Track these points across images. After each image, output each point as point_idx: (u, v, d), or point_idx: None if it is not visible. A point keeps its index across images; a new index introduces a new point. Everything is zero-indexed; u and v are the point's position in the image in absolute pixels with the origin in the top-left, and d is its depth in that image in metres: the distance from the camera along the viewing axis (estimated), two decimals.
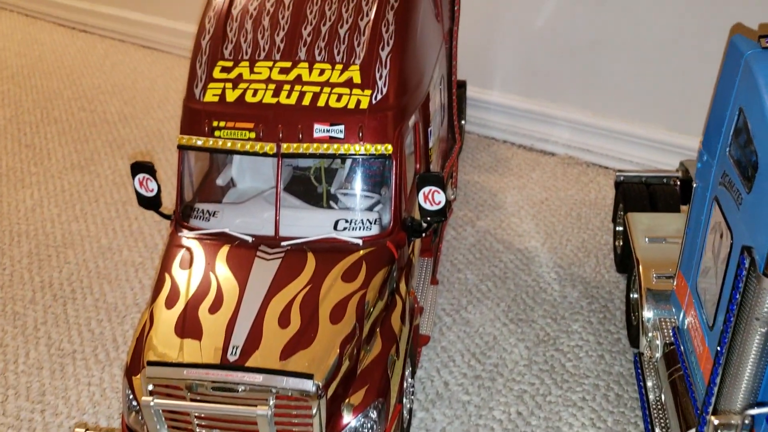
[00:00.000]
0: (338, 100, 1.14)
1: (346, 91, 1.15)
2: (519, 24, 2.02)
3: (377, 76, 1.15)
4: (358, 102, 1.14)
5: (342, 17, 1.21)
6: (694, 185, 1.07)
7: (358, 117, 1.13)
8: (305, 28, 1.20)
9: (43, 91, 2.63)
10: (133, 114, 2.44)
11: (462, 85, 2.08)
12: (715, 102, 0.99)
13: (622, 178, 1.64)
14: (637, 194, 1.57)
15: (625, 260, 1.55)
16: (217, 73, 1.19)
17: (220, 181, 1.31)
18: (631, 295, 1.41)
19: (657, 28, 1.80)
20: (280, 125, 1.14)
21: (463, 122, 2.07)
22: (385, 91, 1.15)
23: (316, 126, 1.13)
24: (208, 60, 1.21)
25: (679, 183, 1.58)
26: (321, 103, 1.14)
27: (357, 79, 1.15)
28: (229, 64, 1.20)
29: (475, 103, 2.16)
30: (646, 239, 1.37)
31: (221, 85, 1.18)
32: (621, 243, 1.59)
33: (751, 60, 0.89)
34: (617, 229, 1.62)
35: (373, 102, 1.14)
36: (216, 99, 1.17)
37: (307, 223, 1.15)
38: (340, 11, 1.21)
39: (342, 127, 1.13)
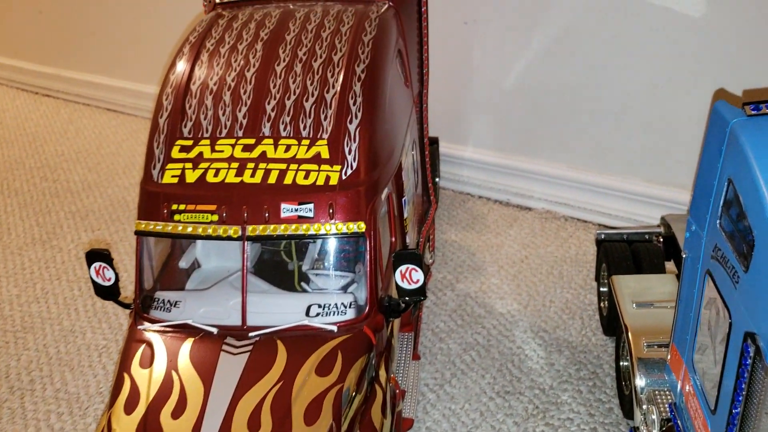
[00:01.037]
0: (306, 177, 1.08)
1: (314, 167, 1.09)
2: (492, 79, 2.00)
3: (346, 150, 1.09)
4: (327, 178, 1.08)
5: (307, 90, 1.15)
6: (684, 255, 1.02)
7: (327, 194, 1.07)
8: (269, 103, 1.15)
9: (4, 161, 2.55)
10: (98, 182, 2.36)
11: (434, 142, 2.04)
12: (701, 170, 0.94)
13: (603, 236, 1.60)
14: (620, 253, 1.52)
15: (611, 323, 1.49)
16: (175, 153, 1.13)
17: (183, 264, 1.23)
18: (621, 363, 1.35)
19: (631, 80, 1.78)
20: (244, 206, 1.07)
21: (437, 180, 2.02)
22: (355, 165, 1.09)
23: (284, 206, 1.07)
24: (166, 139, 1.14)
25: (661, 240, 1.53)
26: (288, 180, 1.08)
27: (325, 154, 1.10)
28: (189, 143, 1.13)
29: (449, 159, 2.12)
30: (634, 305, 1.31)
31: (180, 165, 1.11)
32: (606, 305, 1.53)
33: (738, 129, 0.84)
34: (601, 289, 1.57)
35: (343, 177, 1.08)
36: (175, 180, 1.11)
37: (277, 310, 1.08)
38: (305, 84, 1.16)
39: (311, 205, 1.07)
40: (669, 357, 1.10)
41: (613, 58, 1.78)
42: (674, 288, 1.21)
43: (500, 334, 1.57)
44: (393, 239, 1.22)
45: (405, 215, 1.29)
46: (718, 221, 0.89)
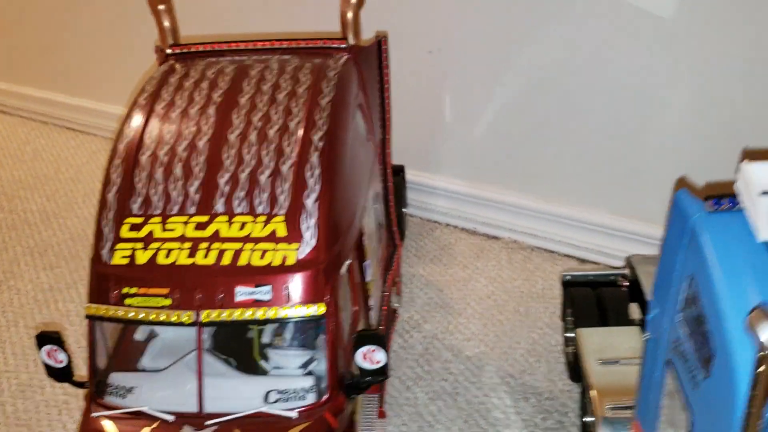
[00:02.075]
0: (262, 257, 1.05)
1: (271, 246, 1.06)
2: (458, 109, 1.97)
3: (304, 227, 1.06)
4: (285, 258, 1.05)
5: (262, 162, 1.12)
6: (645, 337, 1.01)
7: (285, 276, 1.04)
8: (222, 177, 1.11)
9: None
10: (56, 212, 2.30)
11: (400, 171, 2.01)
12: (662, 258, 0.93)
13: (569, 277, 1.59)
14: (585, 299, 1.51)
15: (577, 369, 1.49)
16: (125, 232, 1.09)
17: (139, 336, 1.20)
18: (585, 419, 1.35)
19: (598, 114, 1.77)
20: (197, 290, 1.04)
21: (404, 210, 1.99)
22: (313, 243, 1.06)
23: (239, 289, 1.04)
24: (115, 216, 1.10)
25: (627, 283, 1.53)
26: (243, 261, 1.05)
27: (281, 232, 1.06)
28: (139, 220, 1.09)
29: (417, 186, 2.10)
30: (599, 362, 1.30)
31: (131, 245, 1.08)
32: (571, 351, 1.53)
33: (699, 226, 0.83)
34: (566, 335, 1.56)
35: (301, 257, 1.05)
36: (125, 262, 1.07)
37: (235, 395, 1.05)
38: (260, 155, 1.12)
39: (268, 287, 1.04)
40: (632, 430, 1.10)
41: (582, 90, 1.76)
42: (639, 343, 1.20)
43: (467, 380, 1.55)
44: (355, 308, 1.19)
45: (368, 279, 1.27)
46: (679, 316, 0.87)
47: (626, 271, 1.55)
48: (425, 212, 2.14)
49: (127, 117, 1.21)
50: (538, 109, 1.84)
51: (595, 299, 1.50)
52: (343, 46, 1.34)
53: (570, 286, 1.56)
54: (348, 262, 1.15)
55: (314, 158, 1.11)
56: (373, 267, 1.34)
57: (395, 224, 1.67)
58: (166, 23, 1.37)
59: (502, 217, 2.01)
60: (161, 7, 1.37)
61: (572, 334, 1.51)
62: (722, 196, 0.85)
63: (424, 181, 2.10)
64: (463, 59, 1.90)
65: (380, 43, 1.49)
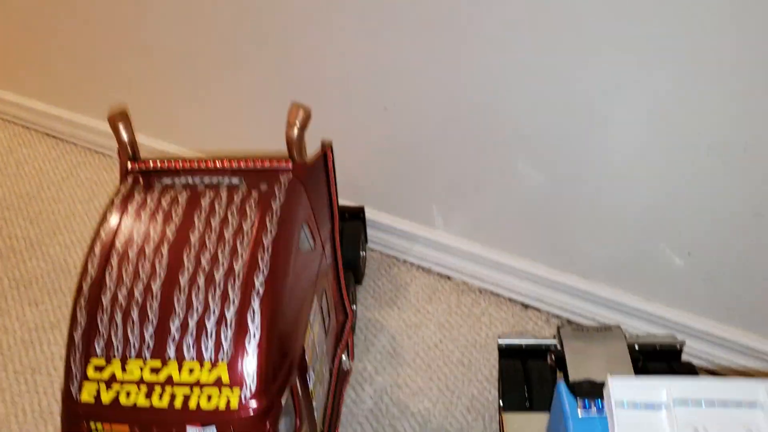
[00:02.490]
0: (209, 400, 1.21)
1: (216, 390, 1.21)
2: (418, 163, 2.08)
3: (245, 372, 1.22)
4: (228, 402, 1.21)
5: (209, 307, 1.26)
6: None
7: (228, 419, 1.20)
8: (173, 322, 1.25)
9: None
10: (39, 238, 2.44)
11: (360, 212, 2.15)
12: None
13: (503, 345, 1.75)
14: (514, 373, 1.67)
15: None
16: (91, 372, 1.24)
17: None
18: None
19: (542, 171, 1.88)
20: (154, 428, 1.20)
21: (363, 254, 2.14)
22: (254, 387, 1.21)
23: (189, 429, 1.20)
24: (82, 357, 1.25)
25: (553, 358, 1.69)
26: (192, 404, 1.21)
27: (225, 378, 1.22)
28: (102, 362, 1.24)
29: (377, 224, 2.23)
30: None
31: (95, 385, 1.23)
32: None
33: (570, 426, 0.98)
34: (500, 403, 1.74)
35: (243, 401, 1.21)
36: (92, 400, 1.23)
37: None
38: (207, 300, 1.26)
39: (213, 428, 1.20)
40: None
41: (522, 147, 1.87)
42: None
43: None
44: (298, 422, 1.36)
45: (310, 387, 1.43)
46: None
47: (555, 343, 1.71)
48: (384, 248, 2.28)
49: (89, 251, 1.34)
50: (489, 160, 1.94)
51: (523, 373, 1.67)
52: (288, 167, 1.45)
53: (504, 356, 1.72)
54: (289, 387, 1.31)
55: (256, 303, 1.25)
56: (317, 372, 1.50)
57: (346, 297, 1.82)
58: (125, 137, 1.48)
59: (451, 260, 2.16)
60: (121, 124, 1.47)
61: (502, 404, 1.68)
62: (594, 395, 1.00)
63: (382, 221, 2.24)
64: (414, 117, 2.00)
65: (326, 156, 1.60)
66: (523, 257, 2.04)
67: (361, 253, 2.12)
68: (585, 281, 1.95)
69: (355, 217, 2.17)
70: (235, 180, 1.44)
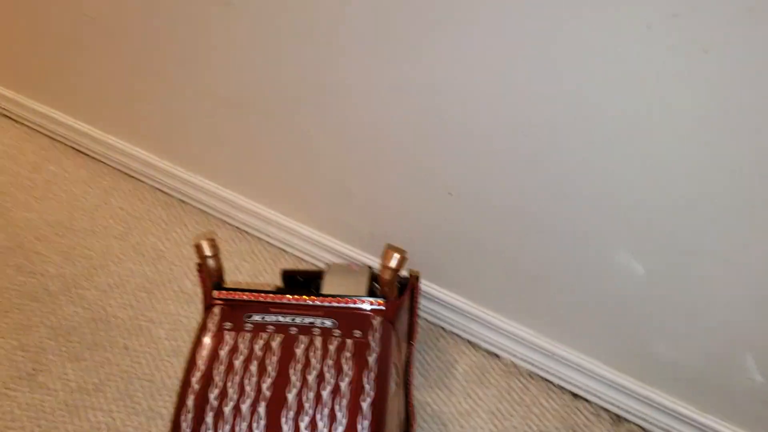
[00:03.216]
0: None
1: None
2: (475, 240, 2.04)
3: None
4: None
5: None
6: None
7: None
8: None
9: None
10: (75, 279, 2.37)
11: (416, 280, 2.12)
12: None
13: None
14: None
15: None
16: None
17: None
18: None
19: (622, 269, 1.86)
20: None
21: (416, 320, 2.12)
22: None
23: None
24: None
25: None
26: None
27: None
28: None
29: (427, 295, 2.21)
30: None
31: None
32: None
33: None
34: None
35: None
36: None
37: None
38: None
39: None
40: None
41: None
42: None
43: None
44: None
45: None
46: None
47: None
48: (432, 317, 2.26)
49: (182, 401, 1.30)
50: (544, 251, 1.92)
51: None
52: (381, 307, 1.41)
53: None
54: None
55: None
56: None
57: (413, 415, 1.81)
58: (212, 263, 1.42)
59: (502, 340, 2.15)
60: (207, 246, 1.41)
61: None
62: None
63: (432, 292, 2.21)
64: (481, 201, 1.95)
65: (413, 287, 1.56)
66: (579, 351, 2.03)
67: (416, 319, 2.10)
68: (641, 384, 1.95)
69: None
70: (327, 322, 1.40)
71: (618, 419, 2.03)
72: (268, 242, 2.53)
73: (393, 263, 1.38)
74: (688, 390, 1.90)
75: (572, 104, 1.53)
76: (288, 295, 1.43)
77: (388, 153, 1.97)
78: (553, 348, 2.06)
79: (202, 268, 1.43)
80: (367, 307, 1.42)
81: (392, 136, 1.93)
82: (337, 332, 1.38)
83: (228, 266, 2.42)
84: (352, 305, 1.42)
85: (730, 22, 1.27)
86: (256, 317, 1.41)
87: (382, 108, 1.87)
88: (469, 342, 2.21)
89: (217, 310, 1.42)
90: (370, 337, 1.37)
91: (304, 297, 1.43)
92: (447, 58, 1.66)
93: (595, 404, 2.07)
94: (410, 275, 1.57)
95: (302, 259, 2.48)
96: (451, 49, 1.64)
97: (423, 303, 2.22)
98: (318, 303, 1.42)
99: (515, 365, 2.15)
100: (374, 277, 1.74)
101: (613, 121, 1.51)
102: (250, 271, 2.41)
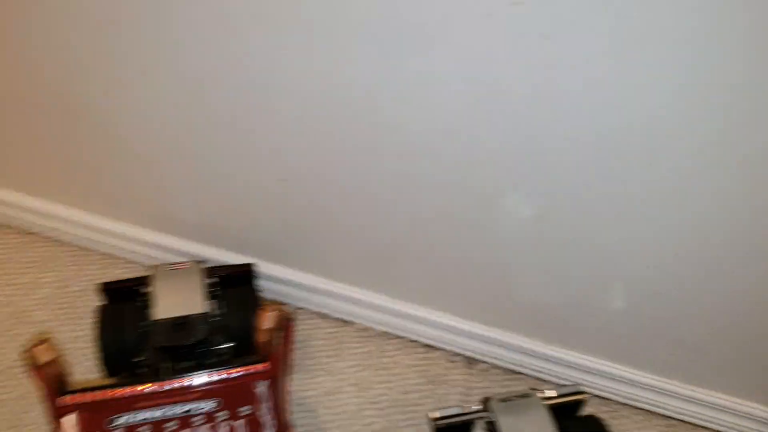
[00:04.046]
0: None
1: None
2: (313, 212, 1.94)
3: None
4: None
5: None
6: None
7: None
8: None
9: None
10: None
11: (248, 272, 1.97)
12: None
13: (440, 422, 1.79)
14: None
15: None
16: None
17: None
18: None
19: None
20: None
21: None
22: None
23: None
24: None
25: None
26: None
27: None
28: None
29: (269, 277, 2.09)
30: None
31: None
32: None
33: None
34: None
35: None
36: None
37: None
38: None
39: None
40: None
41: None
42: None
43: None
44: None
45: None
46: None
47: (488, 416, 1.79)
48: (283, 299, 2.16)
49: None
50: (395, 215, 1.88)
51: None
52: (265, 368, 1.30)
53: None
54: None
55: None
56: None
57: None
58: (50, 370, 1.20)
59: (353, 308, 2.13)
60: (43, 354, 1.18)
61: None
62: None
63: (275, 274, 2.10)
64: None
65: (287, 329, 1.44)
66: (430, 307, 2.07)
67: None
68: (487, 327, 2.05)
69: (246, 281, 1.99)
70: (207, 405, 1.26)
71: (472, 361, 2.13)
72: (71, 243, 2.22)
73: (269, 324, 1.25)
74: (533, 327, 2.03)
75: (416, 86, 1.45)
76: (152, 384, 1.24)
77: (212, 142, 1.76)
78: (406, 309, 2.08)
79: (40, 374, 1.19)
80: (248, 373, 1.29)
81: (211, 127, 1.72)
82: (222, 414, 1.25)
83: (26, 279, 2.10)
84: (229, 377, 1.28)
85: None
86: (123, 419, 1.22)
87: (189, 100, 1.64)
88: (319, 314, 2.16)
89: (71, 419, 1.21)
90: (260, 411, 1.26)
91: (173, 381, 1.25)
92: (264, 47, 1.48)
93: (450, 351, 2.14)
94: (283, 318, 1.44)
95: (118, 258, 2.21)
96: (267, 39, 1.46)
97: (268, 286, 2.10)
98: (191, 384, 1.26)
99: (368, 328, 2.15)
100: (223, 281, 1.60)
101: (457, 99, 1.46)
102: (55, 281, 2.12)
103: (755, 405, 1.95)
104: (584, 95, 1.39)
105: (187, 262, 1.86)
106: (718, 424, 2.01)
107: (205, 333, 1.53)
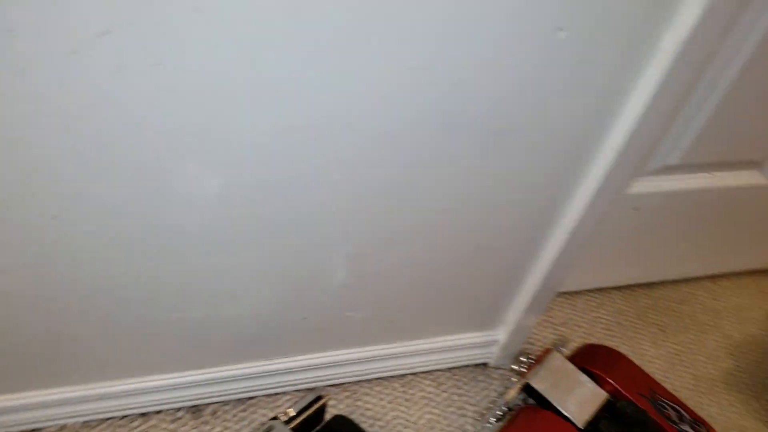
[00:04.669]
0: None
1: None
2: None
3: None
4: None
5: None
6: None
7: None
8: None
9: None
10: None
11: None
12: None
13: None
14: None
15: None
16: None
17: None
18: None
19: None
20: None
21: None
22: None
23: None
24: None
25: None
26: None
27: None
28: None
29: None
30: None
31: None
32: None
33: None
34: None
35: None
36: None
37: None
38: None
39: None
40: None
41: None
42: None
43: None
44: None
45: None
46: None
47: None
48: None
49: None
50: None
51: None
52: None
53: None
54: None
55: None
56: None
57: None
58: None
59: (32, 414, 1.74)
60: None
61: None
62: None
63: None
64: None
65: None
66: (117, 379, 1.77)
67: None
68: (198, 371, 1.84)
69: None
70: None
71: (197, 409, 1.91)
72: None
73: None
74: (240, 351, 1.86)
75: None
76: None
77: None
78: (100, 390, 1.75)
79: None
80: None
81: None
82: None
83: None
84: None
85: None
86: None
87: None
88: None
89: None
90: None
91: None
92: None
93: (169, 409, 1.89)
94: None
95: None
96: None
97: None
98: None
99: (65, 426, 1.78)
100: None
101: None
102: None
103: (467, 335, 2.06)
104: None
105: None
106: (445, 363, 2.09)
107: None
